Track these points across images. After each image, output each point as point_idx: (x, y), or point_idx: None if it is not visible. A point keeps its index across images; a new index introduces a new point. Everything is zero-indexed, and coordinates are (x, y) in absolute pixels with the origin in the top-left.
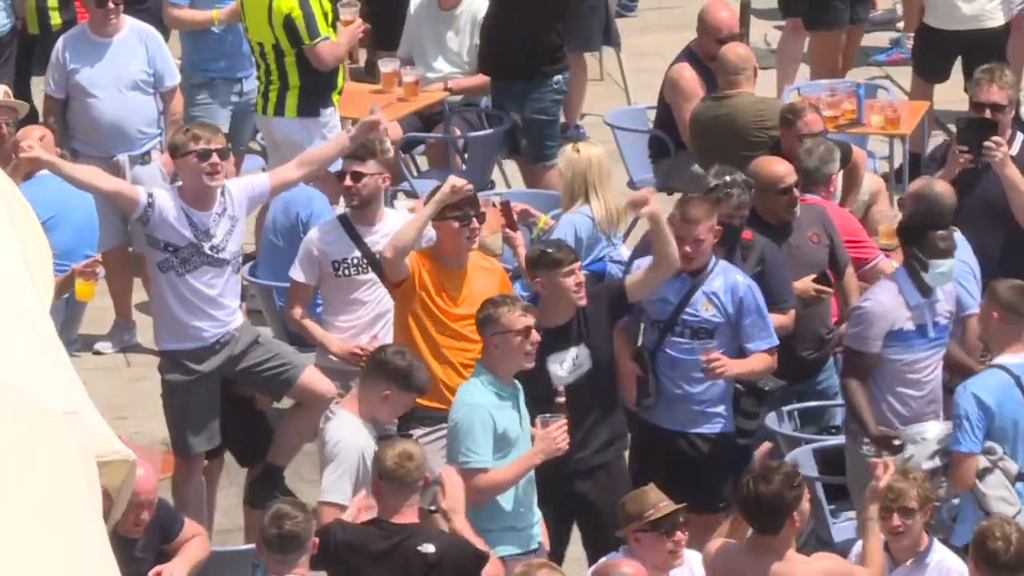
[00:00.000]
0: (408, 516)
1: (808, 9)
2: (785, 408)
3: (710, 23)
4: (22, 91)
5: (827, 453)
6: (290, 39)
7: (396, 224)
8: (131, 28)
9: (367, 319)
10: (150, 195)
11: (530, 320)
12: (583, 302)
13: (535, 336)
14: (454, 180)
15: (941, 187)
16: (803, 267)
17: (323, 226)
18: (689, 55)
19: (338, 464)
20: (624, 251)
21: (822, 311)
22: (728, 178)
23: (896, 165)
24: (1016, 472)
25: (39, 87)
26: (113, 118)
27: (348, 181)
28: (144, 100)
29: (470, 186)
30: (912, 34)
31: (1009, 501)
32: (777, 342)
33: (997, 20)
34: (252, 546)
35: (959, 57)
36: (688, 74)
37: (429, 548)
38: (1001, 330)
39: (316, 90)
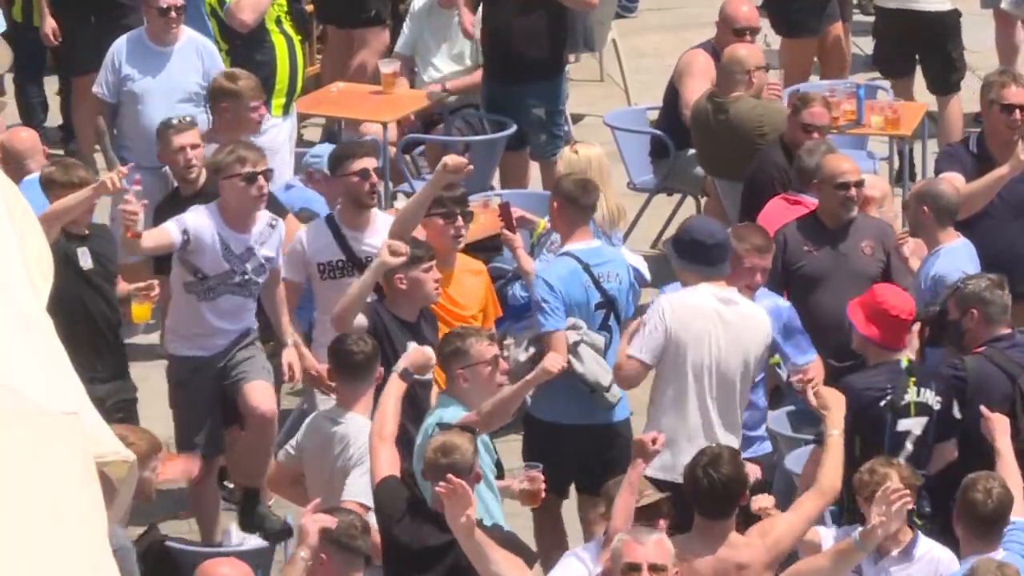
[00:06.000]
0: None
1: (777, 17)
2: (784, 409)
3: (728, 14)
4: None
5: None
6: (220, 28)
7: (386, 226)
8: (188, 38)
9: None
10: (184, 231)
11: (496, 349)
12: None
13: (504, 366)
14: (448, 158)
15: (945, 186)
16: (848, 276)
17: (311, 227)
18: (706, 45)
19: (365, 467)
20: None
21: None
22: (984, 281)
23: (896, 166)
24: (602, 344)
25: (51, 86)
26: None
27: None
28: (195, 112)
29: (470, 167)
30: None
31: (604, 367)
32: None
33: (942, 3)
34: (253, 547)
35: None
36: (702, 59)
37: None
38: (566, 220)
39: None
